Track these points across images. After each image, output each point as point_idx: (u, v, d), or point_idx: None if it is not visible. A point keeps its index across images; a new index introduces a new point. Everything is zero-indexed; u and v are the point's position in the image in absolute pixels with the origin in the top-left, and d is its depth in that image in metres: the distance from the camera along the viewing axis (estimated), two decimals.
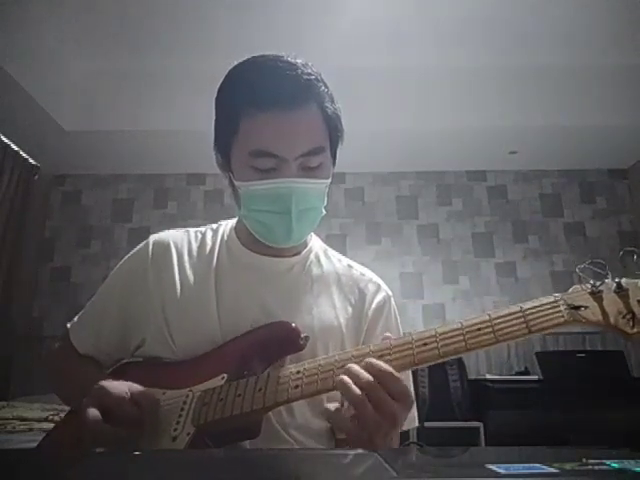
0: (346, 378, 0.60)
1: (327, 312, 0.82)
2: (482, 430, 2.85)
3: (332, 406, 0.61)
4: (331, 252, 0.93)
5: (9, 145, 3.29)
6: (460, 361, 3.10)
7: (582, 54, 3.18)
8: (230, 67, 0.78)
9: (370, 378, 0.58)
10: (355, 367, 0.60)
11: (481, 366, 3.43)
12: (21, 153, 3.41)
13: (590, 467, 0.34)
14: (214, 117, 0.80)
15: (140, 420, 0.67)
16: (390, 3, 2.79)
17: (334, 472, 0.40)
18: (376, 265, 3.72)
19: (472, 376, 3.20)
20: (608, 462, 0.35)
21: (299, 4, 2.79)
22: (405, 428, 0.81)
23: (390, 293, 0.89)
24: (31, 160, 3.51)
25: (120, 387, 0.68)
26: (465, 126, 3.30)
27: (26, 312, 3.56)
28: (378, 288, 0.88)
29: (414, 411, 0.83)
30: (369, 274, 0.90)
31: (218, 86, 0.79)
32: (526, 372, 3.31)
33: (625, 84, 3.25)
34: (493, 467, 0.34)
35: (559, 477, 0.33)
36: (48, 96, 3.01)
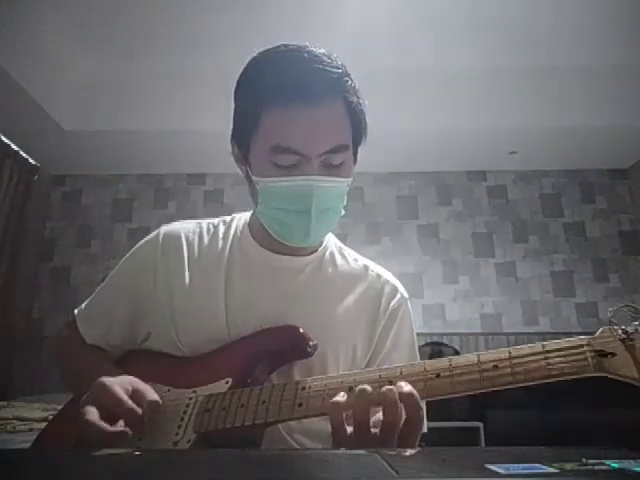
0: (367, 388, 0.56)
1: (340, 314, 0.80)
2: (482, 430, 2.86)
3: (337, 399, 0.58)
4: (347, 251, 0.90)
5: (9, 145, 3.30)
6: None
7: (582, 54, 3.18)
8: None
9: (395, 398, 0.55)
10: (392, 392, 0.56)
11: None
12: (21, 153, 3.41)
13: (590, 467, 0.34)
14: (233, 108, 0.76)
15: (140, 419, 0.65)
16: (391, 4, 2.79)
17: (334, 472, 0.40)
18: None
19: None
20: (608, 462, 0.35)
21: (301, 4, 2.79)
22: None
23: (406, 295, 0.87)
24: (31, 160, 3.51)
25: (121, 384, 0.65)
26: (465, 126, 3.30)
27: (26, 312, 3.56)
28: (394, 290, 0.86)
29: (424, 418, 0.82)
30: (386, 275, 0.88)
31: (238, 76, 0.75)
32: None
33: (625, 84, 3.25)
34: (493, 467, 0.34)
35: (559, 477, 0.33)
36: (48, 96, 3.01)
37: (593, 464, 0.35)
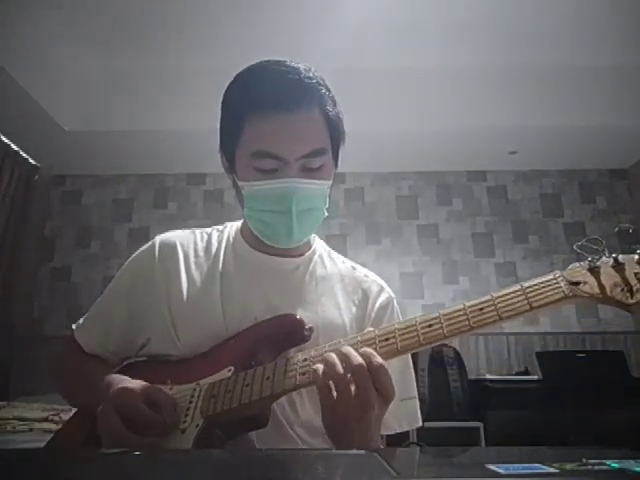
0: (333, 356, 0.62)
1: (331, 311, 0.83)
2: (482, 430, 2.85)
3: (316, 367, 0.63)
4: (334, 254, 0.94)
5: (9, 145, 3.29)
6: (460, 361, 3.10)
7: (582, 54, 3.18)
8: (233, 69, 0.80)
9: (360, 361, 0.60)
10: (348, 348, 0.62)
11: (481, 366, 3.43)
12: (21, 153, 3.41)
13: (590, 467, 0.34)
14: (219, 120, 0.81)
15: (163, 424, 0.66)
16: (390, 3, 2.78)
17: (334, 472, 0.40)
18: (376, 265, 3.73)
19: (472, 376, 3.20)
20: (608, 462, 0.35)
21: (299, 4, 2.79)
22: (408, 428, 0.82)
23: (393, 295, 0.91)
24: (31, 160, 3.50)
25: (136, 390, 0.67)
26: (465, 126, 3.30)
27: (26, 312, 3.56)
28: (381, 289, 0.90)
29: (417, 411, 0.84)
30: (372, 276, 0.92)
31: (224, 90, 0.80)
32: (526, 372, 3.30)
33: (625, 84, 3.24)
34: (493, 467, 0.34)
35: (559, 477, 0.33)
36: (48, 96, 3.01)
37: (593, 464, 0.35)
